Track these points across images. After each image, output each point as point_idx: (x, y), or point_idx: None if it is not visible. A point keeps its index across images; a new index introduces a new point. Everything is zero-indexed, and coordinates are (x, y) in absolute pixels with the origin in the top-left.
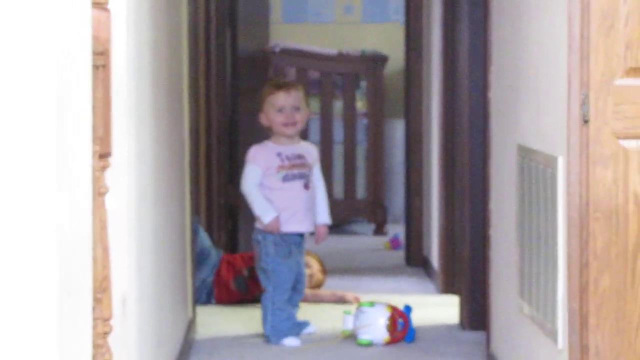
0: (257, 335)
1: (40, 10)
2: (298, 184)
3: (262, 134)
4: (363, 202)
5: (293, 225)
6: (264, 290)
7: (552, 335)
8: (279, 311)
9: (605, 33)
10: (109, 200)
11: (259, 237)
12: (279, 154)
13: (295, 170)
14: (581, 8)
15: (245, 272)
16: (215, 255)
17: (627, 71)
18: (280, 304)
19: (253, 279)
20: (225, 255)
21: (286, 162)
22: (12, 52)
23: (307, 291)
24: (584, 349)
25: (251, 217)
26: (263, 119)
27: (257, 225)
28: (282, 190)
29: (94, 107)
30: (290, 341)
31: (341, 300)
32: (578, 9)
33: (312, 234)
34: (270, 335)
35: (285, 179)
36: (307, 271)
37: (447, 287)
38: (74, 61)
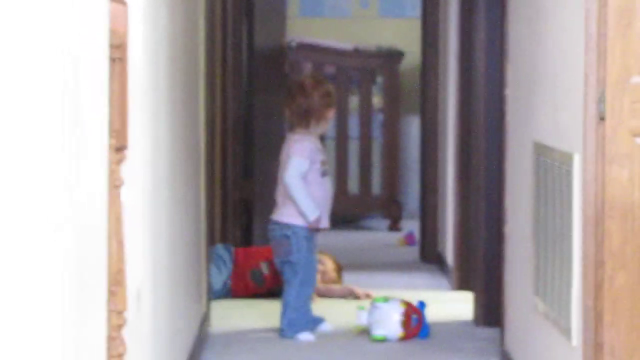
0: (271, 330)
1: (57, 3)
2: (328, 180)
3: (278, 128)
4: (378, 198)
5: (324, 221)
6: (282, 285)
7: (567, 332)
8: (300, 306)
9: (622, 31)
10: (125, 193)
11: (288, 232)
12: (319, 149)
13: (327, 166)
14: (598, 6)
15: (263, 266)
16: (225, 253)
17: None
18: (305, 298)
19: (270, 272)
20: (241, 248)
21: (324, 158)
22: (30, 46)
23: (319, 285)
24: (598, 346)
25: (266, 211)
26: (327, 115)
27: (288, 219)
28: (321, 185)
29: (110, 100)
30: (305, 336)
31: (351, 295)
32: (595, 7)
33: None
34: (287, 330)
35: (324, 174)
36: (319, 267)
37: (462, 284)
38: (91, 54)
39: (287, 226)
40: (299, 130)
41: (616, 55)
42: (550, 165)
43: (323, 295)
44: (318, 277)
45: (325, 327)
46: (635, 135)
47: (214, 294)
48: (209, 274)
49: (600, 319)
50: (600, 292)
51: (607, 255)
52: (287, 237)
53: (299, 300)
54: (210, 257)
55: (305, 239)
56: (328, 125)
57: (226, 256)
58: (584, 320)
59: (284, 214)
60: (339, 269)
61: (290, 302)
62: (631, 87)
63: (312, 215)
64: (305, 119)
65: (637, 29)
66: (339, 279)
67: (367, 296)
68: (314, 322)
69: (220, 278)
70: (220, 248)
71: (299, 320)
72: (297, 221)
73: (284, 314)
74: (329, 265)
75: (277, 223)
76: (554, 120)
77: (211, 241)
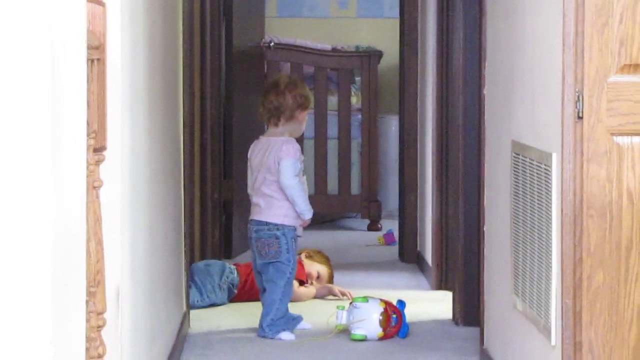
0: (251, 330)
1: (35, 4)
2: (305, 179)
3: (257, 129)
4: (357, 198)
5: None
6: (260, 288)
7: (546, 331)
8: (284, 305)
9: (599, 30)
10: (104, 193)
11: (278, 232)
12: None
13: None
14: (576, 4)
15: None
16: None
17: (621, 68)
18: (289, 298)
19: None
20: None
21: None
22: (7, 46)
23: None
24: (577, 345)
25: (246, 211)
26: (299, 117)
27: (277, 220)
28: (303, 184)
29: (88, 101)
30: (287, 335)
31: (330, 294)
32: (572, 6)
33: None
34: (268, 330)
35: (302, 173)
36: (319, 272)
37: (441, 283)
38: (69, 55)
39: (277, 227)
40: (270, 129)
41: (593, 54)
42: (529, 164)
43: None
44: (314, 281)
45: (304, 324)
46: (613, 133)
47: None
48: (188, 277)
49: (579, 318)
50: (578, 291)
51: (585, 254)
52: (276, 237)
53: (284, 301)
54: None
55: (293, 240)
56: (302, 128)
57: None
58: (563, 319)
59: (273, 215)
60: (332, 275)
61: (275, 302)
62: (608, 86)
63: (308, 214)
64: (275, 116)
65: (614, 27)
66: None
67: (345, 295)
68: (293, 321)
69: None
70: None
71: (281, 320)
72: (287, 222)
73: (266, 314)
74: (327, 272)
75: (265, 224)
76: (532, 119)
77: (190, 242)
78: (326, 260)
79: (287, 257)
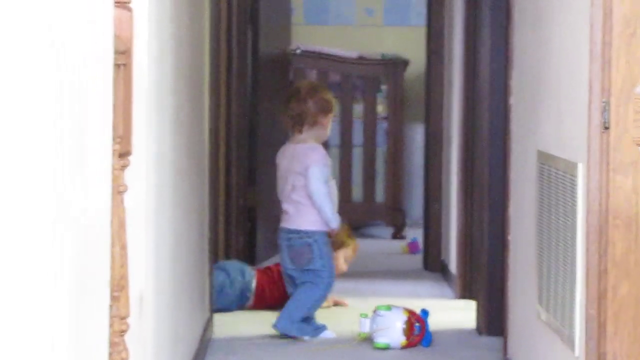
0: (275, 336)
1: (62, 10)
2: (334, 184)
3: (282, 136)
4: (382, 206)
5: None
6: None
7: (570, 342)
8: (315, 309)
9: (627, 40)
10: (128, 198)
11: (309, 240)
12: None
13: (330, 170)
14: (603, 14)
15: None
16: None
17: None
18: (321, 304)
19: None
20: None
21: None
22: (33, 52)
23: None
24: (601, 356)
25: (270, 218)
26: (322, 122)
27: (308, 227)
28: (332, 189)
29: (114, 106)
30: (328, 334)
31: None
32: (600, 15)
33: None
34: (295, 326)
35: (330, 179)
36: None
37: (465, 292)
38: (96, 60)
39: (308, 234)
40: (295, 136)
41: (621, 64)
42: (554, 174)
43: None
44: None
45: (328, 334)
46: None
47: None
48: (212, 281)
49: (604, 329)
50: (603, 302)
51: (610, 265)
52: (309, 245)
53: (316, 305)
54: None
55: (326, 245)
56: (327, 132)
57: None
58: (587, 330)
59: (303, 222)
60: (356, 249)
61: (307, 301)
62: (636, 96)
63: (336, 221)
64: (298, 123)
65: None
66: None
67: (338, 304)
68: (317, 329)
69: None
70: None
71: (309, 322)
72: (318, 228)
73: (294, 310)
74: (351, 253)
75: (296, 232)
76: (558, 129)
77: (214, 247)
78: (348, 237)
79: (322, 263)
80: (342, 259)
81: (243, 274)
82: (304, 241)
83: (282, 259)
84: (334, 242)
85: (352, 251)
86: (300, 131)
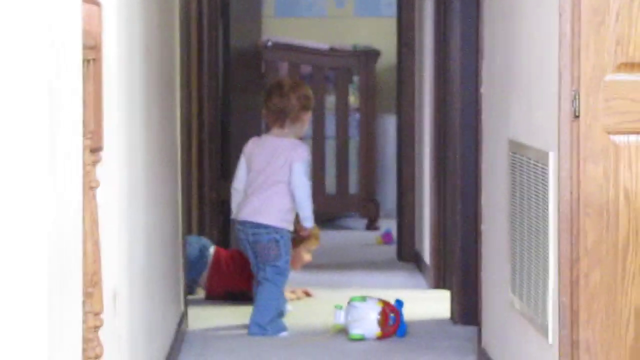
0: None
1: (30, 4)
2: None
3: (255, 129)
4: (355, 197)
5: None
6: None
7: (543, 330)
8: (281, 305)
9: (595, 29)
10: (100, 194)
11: (277, 236)
12: None
13: None
14: (572, 4)
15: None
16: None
17: (617, 66)
18: (283, 297)
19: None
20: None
21: None
22: (5, 46)
23: None
24: (574, 343)
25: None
26: (303, 118)
27: (277, 223)
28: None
29: (85, 101)
30: (284, 334)
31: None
32: (569, 5)
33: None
34: (269, 327)
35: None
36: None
37: (439, 282)
38: (65, 55)
39: (276, 230)
40: (274, 130)
41: (590, 53)
42: (526, 163)
43: None
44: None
45: (287, 307)
46: (610, 132)
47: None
48: (186, 274)
49: (576, 317)
50: (575, 290)
51: (582, 253)
52: (276, 241)
53: (281, 301)
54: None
55: (289, 241)
56: (305, 128)
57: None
58: (560, 318)
59: (273, 218)
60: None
61: (273, 301)
62: (605, 85)
63: (310, 223)
64: (280, 118)
65: (610, 26)
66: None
67: (306, 294)
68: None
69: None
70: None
71: (277, 318)
72: (286, 225)
73: (265, 312)
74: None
75: (264, 226)
76: (529, 118)
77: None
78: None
79: (286, 259)
80: (305, 250)
81: (203, 245)
82: (271, 237)
83: (247, 252)
84: (304, 237)
85: (315, 240)
86: (282, 126)
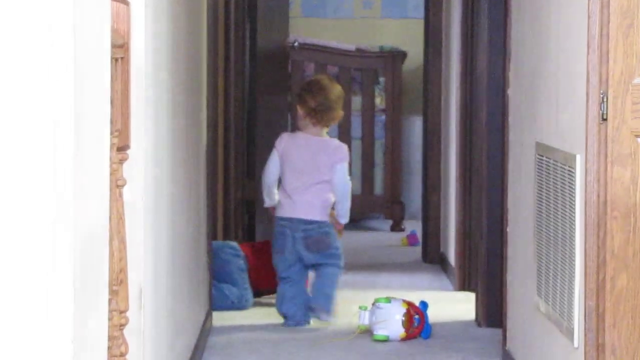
0: (274, 327)
1: (59, 3)
2: None
3: (280, 128)
4: (381, 198)
5: None
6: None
7: (569, 333)
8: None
9: (624, 32)
10: (127, 192)
11: (327, 229)
12: None
13: None
14: (601, 6)
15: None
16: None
17: None
18: None
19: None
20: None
21: None
22: (31, 44)
23: None
24: (600, 347)
25: (269, 211)
26: (340, 116)
27: (325, 218)
28: None
29: (112, 100)
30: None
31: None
32: (598, 7)
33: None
34: (331, 309)
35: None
36: None
37: (464, 284)
38: (93, 53)
39: (325, 224)
40: (311, 128)
41: (618, 56)
42: (553, 166)
43: None
44: None
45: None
46: (638, 135)
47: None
48: (211, 272)
49: (602, 320)
50: (602, 293)
51: (609, 256)
52: (327, 233)
53: (338, 281)
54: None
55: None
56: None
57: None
58: (586, 321)
59: (321, 214)
60: None
61: (336, 280)
62: (633, 88)
63: (346, 220)
64: (322, 117)
65: (639, 29)
66: None
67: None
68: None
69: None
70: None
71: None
72: (327, 218)
73: (331, 288)
74: None
75: (315, 222)
76: (556, 121)
77: (213, 240)
78: None
79: (337, 245)
80: None
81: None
82: (322, 230)
83: (289, 247)
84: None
85: (340, 234)
86: (316, 124)
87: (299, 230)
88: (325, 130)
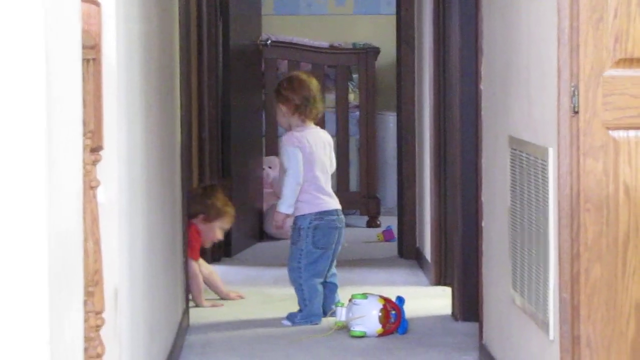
0: (250, 327)
1: (29, 4)
2: None
3: (255, 127)
4: (356, 195)
5: None
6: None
7: (544, 326)
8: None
9: (594, 25)
10: (101, 193)
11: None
12: None
13: None
14: (570, 0)
15: None
16: None
17: (616, 62)
18: None
19: None
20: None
21: None
22: (1, 46)
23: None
24: (575, 339)
25: (244, 210)
26: (312, 100)
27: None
28: None
29: (85, 101)
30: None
31: (225, 297)
32: (567, 1)
33: None
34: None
35: None
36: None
37: (440, 279)
38: (64, 55)
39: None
40: (309, 123)
41: (588, 49)
42: (526, 159)
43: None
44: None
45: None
46: (609, 128)
47: None
48: (186, 275)
49: (577, 312)
50: (576, 285)
51: (582, 248)
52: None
53: None
54: None
55: None
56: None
57: None
58: (561, 314)
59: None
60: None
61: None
62: (604, 80)
63: None
64: (314, 110)
65: (608, 23)
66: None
67: (239, 297)
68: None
69: None
70: None
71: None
72: None
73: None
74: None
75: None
76: (529, 114)
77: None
78: (227, 205)
79: None
80: (218, 228)
81: None
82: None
83: (334, 241)
84: (218, 211)
85: (230, 220)
86: (308, 118)
87: (342, 220)
88: (313, 124)
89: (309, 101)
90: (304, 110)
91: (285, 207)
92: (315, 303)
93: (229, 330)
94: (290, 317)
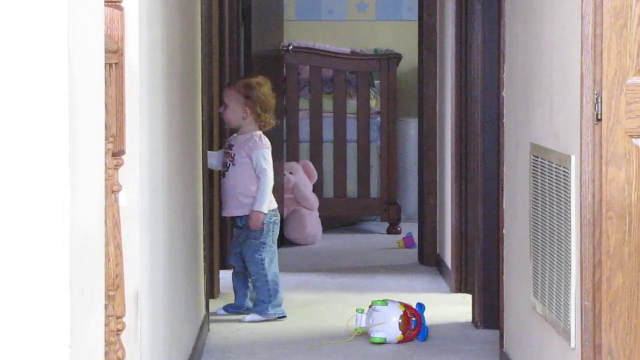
0: (270, 333)
1: (52, 9)
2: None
3: (275, 132)
4: (376, 201)
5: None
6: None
7: (565, 334)
8: None
9: (618, 32)
10: (122, 197)
11: None
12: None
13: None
14: (594, 7)
15: None
16: None
17: (639, 70)
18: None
19: None
20: None
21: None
22: (25, 51)
23: None
24: (596, 347)
25: None
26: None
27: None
28: None
29: (107, 105)
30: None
31: None
32: (591, 8)
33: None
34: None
35: None
36: None
37: (460, 286)
38: (87, 59)
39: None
40: (255, 128)
41: (612, 56)
42: (548, 167)
43: None
44: None
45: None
46: (632, 136)
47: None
48: (208, 280)
49: (599, 320)
50: (598, 293)
51: (604, 256)
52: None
53: None
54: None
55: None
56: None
57: None
58: (582, 322)
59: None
60: None
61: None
62: (627, 88)
63: None
64: (269, 121)
65: (632, 29)
66: None
67: None
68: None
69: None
70: None
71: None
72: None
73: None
74: None
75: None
76: (551, 122)
77: (210, 244)
78: None
79: None
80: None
81: None
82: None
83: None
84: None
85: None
86: (263, 126)
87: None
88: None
89: (268, 112)
90: (264, 118)
91: (265, 206)
92: (280, 295)
93: (250, 335)
94: (260, 310)
